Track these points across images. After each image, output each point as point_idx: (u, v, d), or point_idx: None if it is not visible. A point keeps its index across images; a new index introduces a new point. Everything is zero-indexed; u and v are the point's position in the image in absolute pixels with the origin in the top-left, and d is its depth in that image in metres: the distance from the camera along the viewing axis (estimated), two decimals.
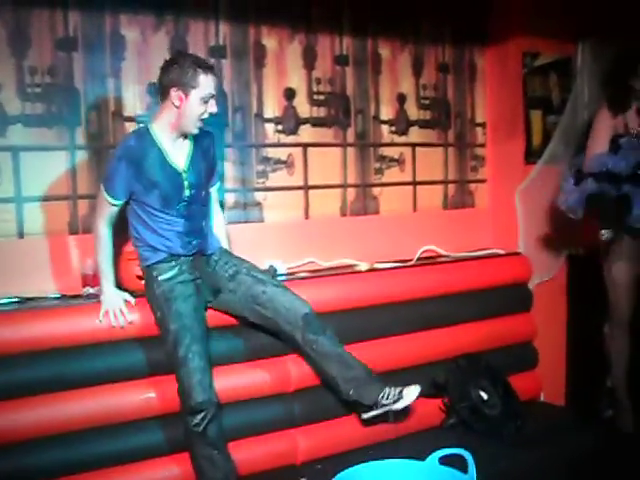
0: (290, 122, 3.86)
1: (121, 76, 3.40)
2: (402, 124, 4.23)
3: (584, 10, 4.25)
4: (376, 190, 4.17)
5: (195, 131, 3.00)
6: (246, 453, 3.17)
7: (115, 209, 3.01)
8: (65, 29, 3.27)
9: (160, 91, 2.98)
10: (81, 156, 3.34)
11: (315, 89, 3.92)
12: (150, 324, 3.05)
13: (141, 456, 3.05)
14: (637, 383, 3.97)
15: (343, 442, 3.41)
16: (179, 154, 3.04)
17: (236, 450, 3.07)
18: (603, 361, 4.02)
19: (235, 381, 3.21)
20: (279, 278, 3.51)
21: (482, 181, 4.56)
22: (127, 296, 3.08)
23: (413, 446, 3.16)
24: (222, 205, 3.51)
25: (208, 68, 2.96)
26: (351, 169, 4.08)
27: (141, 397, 3.05)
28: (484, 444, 3.30)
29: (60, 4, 3.25)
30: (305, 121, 3.90)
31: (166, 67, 2.95)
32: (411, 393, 3.12)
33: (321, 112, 3.95)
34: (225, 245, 3.30)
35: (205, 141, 3.14)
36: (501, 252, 4.33)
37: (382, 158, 4.18)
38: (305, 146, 3.91)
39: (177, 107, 2.93)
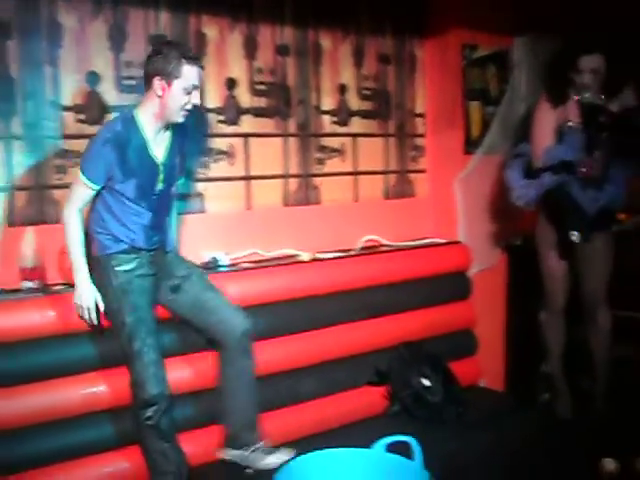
0: (231, 112, 3.82)
1: (59, 64, 3.31)
2: (343, 114, 4.23)
3: (520, 5, 4.33)
4: (317, 180, 4.17)
5: (181, 120, 2.96)
6: (191, 446, 3.16)
7: (91, 194, 2.93)
8: None
9: (144, 80, 2.94)
10: (18, 146, 3.24)
11: (256, 79, 3.89)
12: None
13: (90, 450, 3.02)
14: (573, 370, 4.07)
15: (288, 433, 3.42)
16: (159, 146, 3.00)
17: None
18: (540, 348, 4.13)
19: (174, 374, 3.14)
20: (221, 269, 3.50)
21: (422, 171, 4.60)
22: (98, 297, 2.97)
23: (358, 434, 3.18)
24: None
25: (193, 59, 2.92)
26: (292, 159, 4.07)
27: (88, 391, 3.02)
28: (427, 430, 3.33)
29: None
30: (246, 111, 3.87)
31: (151, 56, 2.91)
32: (280, 457, 3.08)
33: (262, 102, 3.93)
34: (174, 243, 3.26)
35: (183, 135, 3.11)
36: (441, 241, 4.39)
37: (323, 148, 4.18)
38: (246, 136, 3.88)
39: (160, 97, 2.89)
